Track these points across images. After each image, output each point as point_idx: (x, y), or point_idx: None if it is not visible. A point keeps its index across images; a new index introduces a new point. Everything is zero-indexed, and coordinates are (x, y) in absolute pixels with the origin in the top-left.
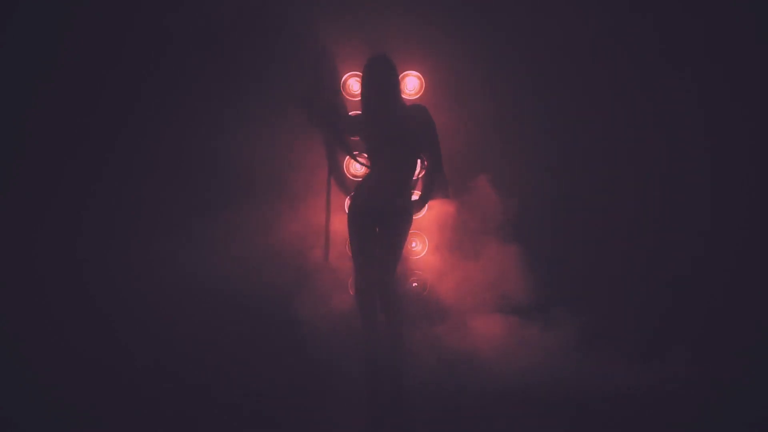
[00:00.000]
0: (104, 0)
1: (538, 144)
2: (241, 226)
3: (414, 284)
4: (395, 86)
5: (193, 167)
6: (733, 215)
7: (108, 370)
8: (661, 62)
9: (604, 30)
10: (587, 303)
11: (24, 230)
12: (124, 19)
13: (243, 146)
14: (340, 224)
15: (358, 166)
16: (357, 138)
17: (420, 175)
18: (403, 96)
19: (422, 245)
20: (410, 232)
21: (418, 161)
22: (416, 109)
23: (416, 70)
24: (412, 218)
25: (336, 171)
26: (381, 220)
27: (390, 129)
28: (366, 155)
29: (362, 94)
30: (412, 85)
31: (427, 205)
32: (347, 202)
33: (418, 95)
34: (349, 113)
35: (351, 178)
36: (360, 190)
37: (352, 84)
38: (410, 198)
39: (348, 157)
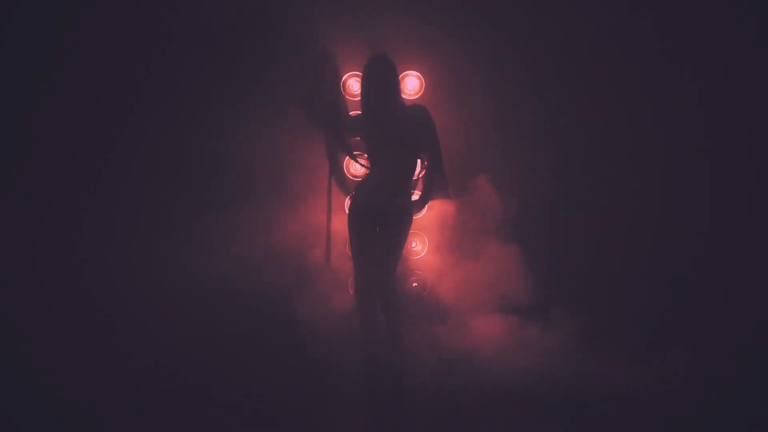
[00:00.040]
0: (104, 0)
1: (538, 144)
2: (241, 226)
3: (414, 284)
4: (395, 86)
5: (193, 167)
6: (733, 215)
7: (108, 370)
8: (661, 62)
9: (604, 30)
10: (587, 303)
11: (24, 230)
12: (124, 19)
13: (243, 146)
14: (340, 224)
15: (358, 166)
16: (357, 138)
17: (420, 175)
18: (403, 96)
19: (422, 245)
20: (410, 232)
21: (418, 161)
22: (416, 109)
23: (416, 70)
24: (412, 218)
25: (336, 171)
26: (381, 220)
27: (390, 129)
28: (366, 156)
29: (362, 94)
30: (412, 85)
31: (427, 205)
32: (347, 202)
33: (418, 95)
34: (349, 113)
35: (351, 178)
36: (360, 190)
37: (352, 84)
38: (410, 198)
39: (348, 157)
